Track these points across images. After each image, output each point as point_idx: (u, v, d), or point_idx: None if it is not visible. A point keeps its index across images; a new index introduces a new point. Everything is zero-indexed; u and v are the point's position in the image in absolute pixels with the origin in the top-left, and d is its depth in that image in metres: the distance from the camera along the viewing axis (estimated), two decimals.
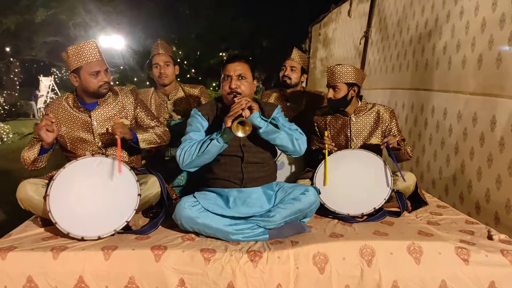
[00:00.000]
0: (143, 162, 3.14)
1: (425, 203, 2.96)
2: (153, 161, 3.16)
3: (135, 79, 11.37)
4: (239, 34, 13.65)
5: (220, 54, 13.61)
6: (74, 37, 25.38)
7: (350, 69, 3.01)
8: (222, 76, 2.65)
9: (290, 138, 2.57)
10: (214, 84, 11.91)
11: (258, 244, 2.35)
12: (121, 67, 11.55)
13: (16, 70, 23.16)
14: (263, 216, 2.45)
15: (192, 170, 2.59)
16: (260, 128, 2.48)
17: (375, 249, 2.28)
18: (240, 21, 14.01)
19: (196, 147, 2.51)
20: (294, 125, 2.71)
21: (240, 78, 2.59)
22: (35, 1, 22.53)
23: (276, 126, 2.56)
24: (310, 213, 2.54)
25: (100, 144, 2.76)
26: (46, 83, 20.96)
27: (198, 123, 2.66)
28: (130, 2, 22.85)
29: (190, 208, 2.40)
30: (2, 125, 11.89)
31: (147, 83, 11.27)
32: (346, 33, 8.03)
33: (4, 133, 11.24)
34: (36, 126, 2.52)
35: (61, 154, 2.85)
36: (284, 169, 3.29)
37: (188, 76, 11.00)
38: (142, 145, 2.74)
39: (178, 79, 3.87)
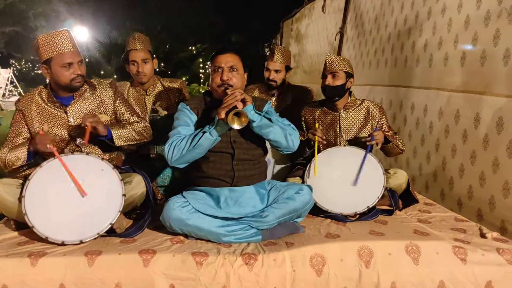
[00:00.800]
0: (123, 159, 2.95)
1: (416, 201, 2.93)
2: (135, 159, 2.97)
3: (102, 72, 11.02)
4: (209, 28, 13.44)
5: (190, 48, 13.37)
6: (35, 28, 24.47)
7: (348, 61, 3.04)
8: (212, 68, 2.52)
9: (284, 133, 2.48)
10: (184, 78, 11.68)
11: (252, 246, 2.24)
12: (86, 60, 11.17)
13: None
14: (256, 216, 2.34)
15: (181, 166, 2.45)
16: (253, 121, 2.37)
17: (373, 250, 2.21)
18: (211, 14, 13.79)
19: (186, 141, 2.37)
20: (286, 120, 2.62)
21: (231, 70, 2.48)
22: None
23: (270, 120, 2.46)
24: (304, 212, 2.46)
25: (78, 142, 2.57)
26: (4, 75, 20.05)
27: (187, 117, 2.52)
28: None
29: (180, 209, 2.26)
30: None
31: (115, 76, 10.94)
32: (320, 29, 7.99)
33: None
34: (37, 140, 2.34)
35: None
36: (270, 167, 3.19)
37: (157, 70, 10.74)
38: (118, 142, 2.57)
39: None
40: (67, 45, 2.45)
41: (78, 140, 2.56)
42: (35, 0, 22.27)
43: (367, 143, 2.77)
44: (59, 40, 2.43)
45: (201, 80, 12.32)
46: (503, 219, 3.00)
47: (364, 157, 2.73)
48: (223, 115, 2.27)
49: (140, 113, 3.34)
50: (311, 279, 2.13)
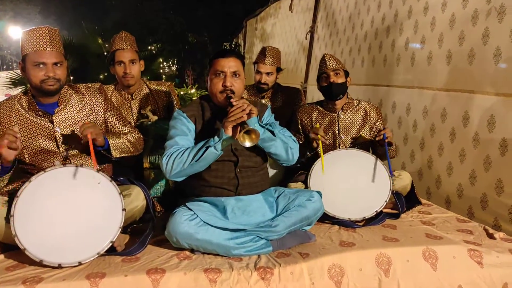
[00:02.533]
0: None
1: (419, 202, 2.88)
2: (123, 169, 2.73)
3: None
4: (168, 28, 13.11)
5: (149, 47, 13.00)
6: None
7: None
8: (212, 71, 2.36)
9: (285, 146, 2.37)
10: (144, 79, 11.33)
11: (264, 259, 2.11)
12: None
13: None
14: (265, 226, 2.20)
15: (180, 179, 2.29)
16: None
17: (391, 257, 2.13)
18: (168, 13, 13.45)
19: (188, 155, 2.20)
20: (288, 131, 2.50)
21: (234, 75, 2.33)
22: None
23: (273, 133, 2.33)
24: (315, 220, 2.35)
25: (65, 153, 2.33)
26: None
27: (184, 125, 2.34)
28: None
29: (187, 222, 2.08)
30: None
31: (71, 77, 10.45)
32: (288, 28, 7.94)
33: None
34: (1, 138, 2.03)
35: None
36: None
37: None
38: (115, 153, 2.37)
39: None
40: (44, 43, 2.21)
41: (66, 153, 2.32)
42: None
43: (385, 141, 2.70)
44: (37, 37, 2.21)
45: (162, 80, 12.00)
46: (496, 216, 3.01)
47: (387, 154, 2.68)
48: (230, 130, 2.12)
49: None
50: None
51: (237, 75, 2.34)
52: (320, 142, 2.67)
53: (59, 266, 1.91)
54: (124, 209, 2.08)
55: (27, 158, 2.27)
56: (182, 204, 2.24)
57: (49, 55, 2.22)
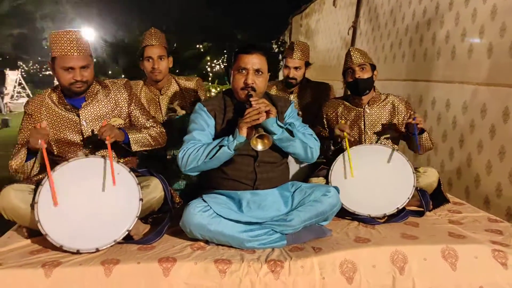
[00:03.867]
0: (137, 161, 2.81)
1: (447, 201, 2.77)
2: (149, 161, 2.83)
3: (109, 72, 10.93)
4: (216, 26, 13.30)
5: (197, 46, 13.25)
6: (41, 29, 24.55)
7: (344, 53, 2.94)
8: (236, 67, 2.34)
9: (304, 146, 2.35)
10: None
11: (277, 252, 2.11)
12: (94, 60, 11.10)
13: None
14: (280, 220, 2.20)
15: (194, 174, 2.34)
16: (275, 134, 2.23)
17: (407, 255, 2.07)
18: (216, 12, 13.66)
19: (203, 152, 2.23)
20: (309, 129, 2.47)
21: (257, 72, 2.31)
22: None
23: (291, 132, 2.31)
24: (331, 216, 2.32)
25: (90, 147, 2.44)
26: (12, 77, 19.97)
27: (203, 120, 2.37)
28: None
29: (201, 214, 2.12)
30: None
31: (122, 75, 10.87)
32: (331, 24, 7.83)
33: None
34: (31, 133, 2.16)
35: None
36: (290, 167, 3.04)
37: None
38: (134, 147, 2.45)
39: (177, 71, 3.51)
40: (71, 48, 2.30)
41: (91, 145, 2.44)
42: (41, 1, 22.31)
43: (412, 122, 2.60)
44: (65, 42, 2.29)
45: (209, 79, 12.17)
46: None
47: (415, 137, 2.60)
48: (244, 131, 2.12)
49: (154, 115, 3.21)
50: (341, 287, 2.00)
51: (260, 73, 2.32)
52: (347, 140, 2.62)
53: (78, 252, 2.01)
54: (141, 199, 2.16)
55: (55, 150, 2.40)
56: (200, 196, 2.29)
57: (77, 60, 2.31)
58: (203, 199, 2.22)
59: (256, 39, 13.46)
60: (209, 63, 12.54)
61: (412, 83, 4.73)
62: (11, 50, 24.46)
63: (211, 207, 2.16)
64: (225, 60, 15.32)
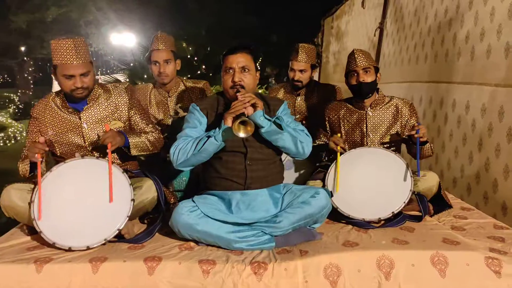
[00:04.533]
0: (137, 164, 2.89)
1: (449, 206, 2.69)
2: (151, 163, 2.91)
3: (145, 76, 11.18)
4: (249, 29, 13.38)
5: None
6: (86, 35, 25.37)
7: (371, 55, 2.88)
8: (223, 68, 2.42)
9: (294, 140, 2.35)
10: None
11: (264, 254, 2.12)
12: (131, 64, 11.40)
13: (30, 69, 23.19)
14: (269, 221, 2.22)
15: (186, 169, 2.40)
16: (262, 127, 2.25)
17: (394, 260, 2.03)
18: (250, 15, 13.74)
19: (191, 145, 2.29)
20: (301, 125, 2.49)
21: (243, 70, 2.37)
22: (46, 0, 22.59)
23: (280, 126, 2.32)
24: (321, 218, 2.30)
25: (90, 148, 2.54)
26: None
27: (196, 119, 2.44)
28: None
29: (188, 214, 2.17)
30: (16, 124, 11.86)
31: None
32: (360, 25, 7.73)
33: (18, 132, 11.20)
34: (29, 148, 2.28)
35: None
36: (292, 170, 3.05)
37: (199, 72, 10.78)
38: (133, 151, 2.53)
39: (188, 75, 3.59)
40: (70, 57, 2.37)
41: (91, 147, 2.54)
42: (86, 8, 23.10)
43: (415, 136, 2.57)
44: (65, 50, 2.37)
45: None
46: None
47: (418, 152, 2.56)
48: (229, 121, 2.18)
49: (164, 117, 3.30)
50: None
51: (246, 70, 2.37)
52: (339, 155, 2.59)
53: (70, 249, 2.10)
54: (133, 200, 2.22)
55: (58, 151, 2.52)
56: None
57: (76, 68, 2.39)
58: (192, 200, 2.26)
59: (290, 41, 13.41)
60: None
61: (434, 85, 4.61)
62: None
63: (198, 208, 2.20)
64: (259, 63, 15.33)
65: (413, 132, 2.58)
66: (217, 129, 2.24)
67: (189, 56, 11.17)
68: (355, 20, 8.07)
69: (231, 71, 2.38)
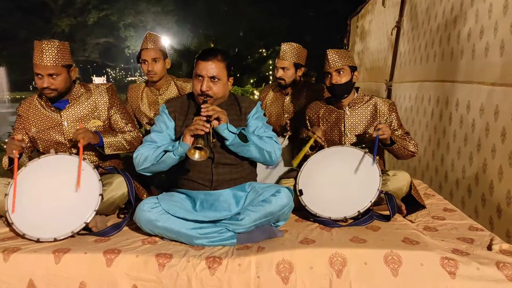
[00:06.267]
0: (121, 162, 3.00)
1: (422, 206, 2.65)
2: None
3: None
4: (277, 30, 13.41)
5: (260, 50, 13.43)
6: (125, 38, 26.26)
7: (349, 53, 2.87)
8: (194, 72, 2.43)
9: (261, 151, 2.38)
10: (251, 81, 11.75)
11: (223, 250, 2.17)
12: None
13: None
14: (232, 219, 2.26)
15: (147, 175, 2.47)
16: (226, 140, 2.30)
17: (346, 258, 2.03)
18: (278, 17, 13.77)
19: (152, 154, 2.36)
20: (270, 131, 2.50)
21: (212, 79, 2.37)
22: (87, 4, 23.52)
23: (244, 138, 2.34)
24: (282, 216, 2.32)
25: (70, 145, 2.66)
26: (99, 83, 21.67)
27: (163, 122, 2.50)
28: (178, 2, 23.32)
29: (149, 210, 2.24)
30: None
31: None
32: (381, 24, 7.62)
33: None
34: (7, 144, 2.41)
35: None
36: (277, 169, 3.07)
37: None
38: (108, 150, 2.64)
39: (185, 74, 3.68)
40: (42, 57, 2.47)
41: (71, 145, 2.66)
42: (125, 12, 23.90)
43: (373, 135, 2.54)
44: (39, 51, 2.48)
45: (270, 82, 12.33)
46: None
47: (375, 149, 2.51)
48: (188, 139, 2.22)
49: (156, 115, 3.39)
50: (277, 287, 2.01)
51: (216, 79, 2.37)
52: (311, 140, 2.60)
53: (38, 241, 2.22)
54: (101, 195, 2.32)
55: (41, 148, 2.66)
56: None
57: (43, 68, 2.50)
58: (156, 197, 2.33)
59: (316, 42, 13.38)
60: (271, 67, 12.64)
61: (440, 84, 4.51)
62: (98, 58, 26.45)
63: (160, 205, 2.27)
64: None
65: (374, 132, 2.55)
66: (176, 143, 2.28)
67: None
68: (376, 19, 7.96)
69: (200, 78, 2.38)
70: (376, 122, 2.63)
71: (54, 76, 2.53)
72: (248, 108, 2.52)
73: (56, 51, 2.51)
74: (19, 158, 2.37)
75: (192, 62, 3.21)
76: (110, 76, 28.21)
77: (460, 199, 3.72)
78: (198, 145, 2.13)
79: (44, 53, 2.48)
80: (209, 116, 2.23)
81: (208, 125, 2.20)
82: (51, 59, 2.50)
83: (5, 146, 2.46)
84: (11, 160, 2.47)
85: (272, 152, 2.41)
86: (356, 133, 2.80)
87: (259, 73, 12.29)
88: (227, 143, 2.30)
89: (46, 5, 23.53)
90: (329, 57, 2.75)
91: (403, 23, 6.30)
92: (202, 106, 2.28)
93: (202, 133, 2.19)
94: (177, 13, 24.27)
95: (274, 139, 2.46)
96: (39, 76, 2.52)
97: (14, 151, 2.32)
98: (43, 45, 2.48)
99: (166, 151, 2.29)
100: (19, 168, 2.39)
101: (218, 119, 2.25)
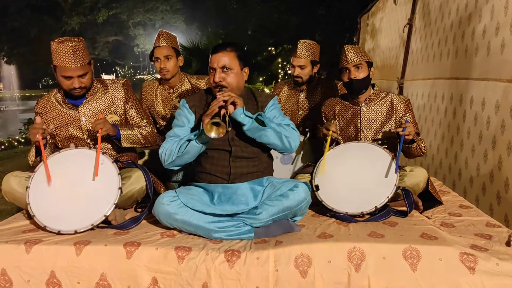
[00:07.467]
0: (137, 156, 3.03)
1: (440, 202, 2.64)
2: (153, 156, 3.05)
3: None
4: (286, 28, 13.40)
5: (269, 48, 13.42)
6: (134, 36, 26.39)
7: (364, 50, 2.79)
8: (209, 67, 2.47)
9: (279, 135, 2.38)
10: (261, 79, 11.75)
11: (241, 243, 2.18)
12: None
13: None
14: (250, 213, 2.27)
15: (175, 168, 2.49)
16: (244, 125, 2.31)
17: (365, 252, 2.03)
18: (287, 14, 13.75)
19: (176, 147, 2.38)
20: (287, 120, 2.51)
21: (224, 69, 2.39)
22: (97, 3, 23.67)
23: (263, 122, 2.34)
24: (299, 211, 2.33)
25: (89, 140, 2.69)
26: (114, 78, 21.78)
27: (184, 116, 2.52)
28: (187, 0, 23.41)
29: (168, 203, 2.26)
30: None
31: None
32: (392, 22, 7.59)
33: None
34: (30, 128, 2.42)
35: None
36: (292, 164, 3.08)
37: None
38: (124, 143, 2.66)
39: (198, 71, 3.70)
40: (69, 60, 2.45)
41: (89, 139, 2.69)
42: (134, 10, 24.01)
43: (400, 133, 2.53)
44: (64, 53, 2.45)
45: (279, 80, 12.33)
46: None
47: (399, 150, 2.52)
48: (207, 122, 2.22)
49: (169, 112, 3.41)
50: (295, 280, 2.02)
51: (228, 69, 2.39)
52: (329, 139, 2.60)
53: (59, 233, 2.25)
54: (120, 188, 2.35)
55: (59, 143, 2.69)
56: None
57: (74, 70, 2.50)
58: (175, 191, 2.35)
59: (327, 39, 13.35)
60: (280, 65, 12.64)
61: (454, 82, 4.49)
62: (108, 56, 26.59)
63: (179, 198, 2.28)
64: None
65: (400, 129, 2.55)
66: (198, 131, 2.31)
67: None
68: (387, 17, 7.93)
69: (213, 71, 2.42)
70: (402, 120, 2.61)
71: (83, 76, 2.54)
72: (265, 102, 2.53)
73: (82, 50, 2.50)
74: (44, 144, 2.38)
75: (201, 59, 3.22)
76: (119, 74, 28.34)
77: (474, 197, 3.71)
78: (215, 120, 2.15)
79: (72, 55, 2.45)
80: (225, 101, 2.26)
81: (224, 104, 2.22)
82: (80, 60, 2.49)
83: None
84: (37, 151, 2.50)
85: (291, 138, 2.41)
86: (373, 130, 2.80)
87: (269, 71, 12.28)
88: (245, 128, 2.31)
89: (57, 3, 23.73)
90: (347, 52, 2.75)
91: (415, 20, 6.27)
92: (218, 93, 2.31)
93: (216, 111, 2.20)
94: (186, 12, 24.34)
95: (292, 126, 2.47)
96: (68, 78, 2.51)
97: (37, 136, 2.34)
98: (68, 47, 2.43)
99: (189, 140, 2.31)
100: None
101: (234, 103, 2.26)
